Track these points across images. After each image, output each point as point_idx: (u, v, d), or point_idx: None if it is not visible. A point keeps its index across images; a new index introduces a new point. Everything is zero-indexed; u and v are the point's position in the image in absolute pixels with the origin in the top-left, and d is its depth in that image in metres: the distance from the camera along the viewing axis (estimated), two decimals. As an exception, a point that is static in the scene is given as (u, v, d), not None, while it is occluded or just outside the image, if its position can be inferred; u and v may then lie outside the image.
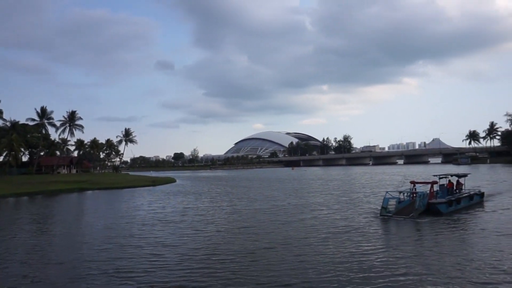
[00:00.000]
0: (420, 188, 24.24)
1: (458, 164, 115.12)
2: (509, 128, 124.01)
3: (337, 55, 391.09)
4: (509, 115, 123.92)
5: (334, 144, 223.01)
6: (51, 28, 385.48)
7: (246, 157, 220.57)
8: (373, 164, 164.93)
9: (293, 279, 11.01)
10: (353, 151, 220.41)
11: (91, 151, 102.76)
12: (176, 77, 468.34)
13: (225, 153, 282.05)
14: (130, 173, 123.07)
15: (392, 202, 22.40)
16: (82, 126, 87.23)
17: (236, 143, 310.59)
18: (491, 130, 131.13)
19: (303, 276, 11.26)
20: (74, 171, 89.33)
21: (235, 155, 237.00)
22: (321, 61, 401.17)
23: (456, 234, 16.66)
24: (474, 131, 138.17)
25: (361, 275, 11.14)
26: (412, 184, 24.01)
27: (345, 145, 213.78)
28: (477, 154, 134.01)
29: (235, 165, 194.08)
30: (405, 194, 23.10)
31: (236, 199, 35.28)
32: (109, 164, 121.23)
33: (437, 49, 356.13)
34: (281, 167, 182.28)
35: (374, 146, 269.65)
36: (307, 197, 34.38)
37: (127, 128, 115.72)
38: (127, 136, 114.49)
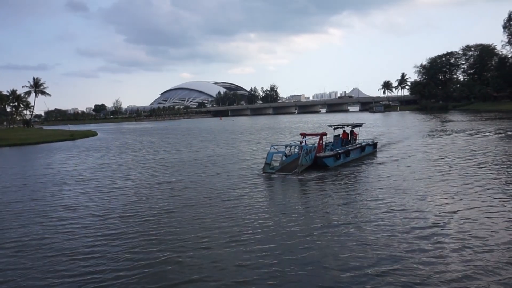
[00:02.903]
0: (310, 141, 22.95)
1: (374, 111, 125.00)
2: (417, 79, 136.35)
3: (264, 2, 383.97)
4: (417, 67, 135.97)
5: (261, 93, 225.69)
6: None
7: (173, 107, 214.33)
8: (299, 113, 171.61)
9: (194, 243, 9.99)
10: (280, 101, 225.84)
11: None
12: (91, 20, 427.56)
13: (150, 104, 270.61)
14: (45, 127, 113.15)
15: (279, 157, 20.85)
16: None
17: (162, 93, 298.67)
18: (402, 81, 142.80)
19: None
20: (-26, 126, 79.49)
21: (161, 106, 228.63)
22: (249, 8, 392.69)
23: (333, 189, 15.69)
24: (388, 81, 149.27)
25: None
26: (302, 136, 22.30)
27: (272, 94, 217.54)
28: (390, 102, 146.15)
29: (162, 116, 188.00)
30: (292, 147, 21.28)
31: (162, 151, 34.68)
32: (18, 118, 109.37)
33: (360, 0, 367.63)
34: (209, 117, 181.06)
35: (300, 95, 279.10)
36: (237, 147, 35.02)
37: (36, 77, 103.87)
38: (37, 87, 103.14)
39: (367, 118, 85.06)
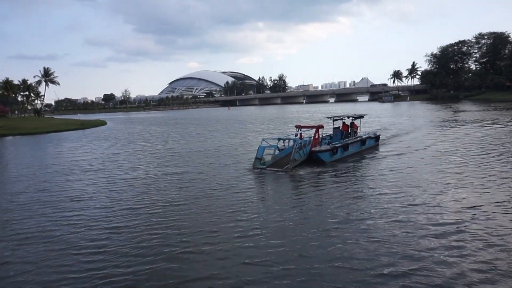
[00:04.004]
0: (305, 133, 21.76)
1: (383, 101, 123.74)
2: (428, 68, 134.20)
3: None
4: (428, 56, 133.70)
5: (269, 83, 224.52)
6: None
7: (182, 97, 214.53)
8: (307, 103, 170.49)
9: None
10: (288, 90, 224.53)
11: (5, 93, 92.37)
12: (99, 10, 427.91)
13: (159, 94, 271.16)
14: (55, 116, 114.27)
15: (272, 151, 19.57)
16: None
17: (170, 83, 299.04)
18: (412, 70, 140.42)
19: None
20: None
21: (169, 95, 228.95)
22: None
23: (330, 186, 14.58)
24: (398, 71, 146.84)
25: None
26: (297, 129, 21.05)
27: (280, 84, 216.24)
28: (400, 92, 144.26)
29: (170, 105, 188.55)
30: (286, 141, 20.18)
31: (171, 141, 34.81)
32: (29, 107, 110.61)
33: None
34: (217, 106, 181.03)
35: (308, 85, 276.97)
36: (246, 137, 35.00)
37: (46, 67, 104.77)
38: (47, 76, 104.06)
39: (376, 108, 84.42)
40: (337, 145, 20.27)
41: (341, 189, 14.16)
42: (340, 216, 10.94)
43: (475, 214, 10.49)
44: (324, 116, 57.61)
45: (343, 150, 20.59)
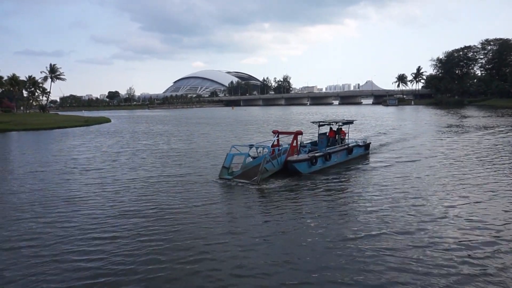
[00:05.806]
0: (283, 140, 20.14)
1: (387, 105, 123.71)
2: (433, 73, 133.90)
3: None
4: (433, 61, 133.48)
5: (274, 84, 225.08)
6: None
7: (186, 96, 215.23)
8: (311, 104, 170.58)
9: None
10: (292, 91, 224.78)
11: (11, 89, 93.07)
12: (106, 7, 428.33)
13: (163, 92, 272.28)
14: (60, 113, 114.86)
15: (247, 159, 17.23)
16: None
17: (175, 82, 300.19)
18: (417, 74, 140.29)
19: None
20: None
21: (174, 94, 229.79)
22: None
23: (306, 201, 12.96)
24: (402, 75, 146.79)
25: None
26: (275, 134, 19.16)
27: (284, 85, 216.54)
28: (404, 96, 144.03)
29: (174, 104, 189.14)
30: (259, 148, 18.02)
31: (177, 140, 34.83)
32: (34, 103, 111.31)
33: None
34: (221, 106, 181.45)
35: (312, 86, 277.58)
36: (252, 138, 35.08)
37: (52, 63, 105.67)
38: (53, 73, 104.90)
39: (380, 111, 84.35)
40: (316, 154, 18.05)
41: (314, 206, 12.35)
42: (301, 241, 9.39)
43: (480, 231, 9.76)
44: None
45: (324, 160, 18.34)
